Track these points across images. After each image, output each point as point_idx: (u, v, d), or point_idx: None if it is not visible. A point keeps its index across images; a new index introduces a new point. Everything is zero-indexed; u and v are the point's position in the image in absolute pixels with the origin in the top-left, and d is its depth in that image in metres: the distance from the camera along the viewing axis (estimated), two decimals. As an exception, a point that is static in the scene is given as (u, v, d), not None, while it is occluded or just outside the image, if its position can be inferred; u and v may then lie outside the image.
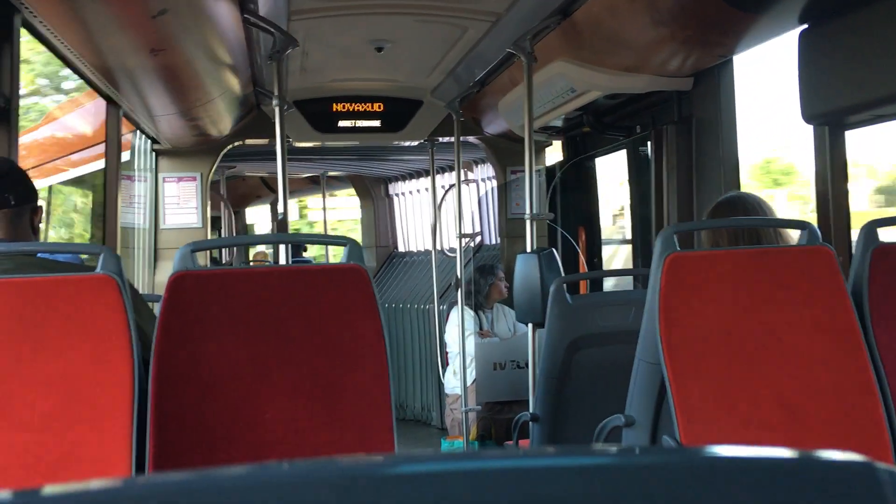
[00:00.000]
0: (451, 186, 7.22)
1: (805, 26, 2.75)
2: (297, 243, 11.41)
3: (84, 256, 2.30)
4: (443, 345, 5.50)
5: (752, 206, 2.44)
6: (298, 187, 9.45)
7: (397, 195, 8.23)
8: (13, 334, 1.66)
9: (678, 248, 1.96)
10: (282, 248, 3.34)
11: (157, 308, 1.83)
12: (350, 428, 1.77)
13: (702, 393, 1.86)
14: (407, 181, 7.96)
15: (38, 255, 1.86)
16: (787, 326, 1.95)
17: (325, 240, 2.74)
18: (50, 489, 0.33)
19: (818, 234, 2.04)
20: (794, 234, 2.29)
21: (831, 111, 2.72)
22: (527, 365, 4.16)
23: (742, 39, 2.94)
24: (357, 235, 8.98)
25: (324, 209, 8.69)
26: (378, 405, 1.80)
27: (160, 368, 1.72)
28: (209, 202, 5.25)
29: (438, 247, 5.90)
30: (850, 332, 1.93)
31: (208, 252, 6.07)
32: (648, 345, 2.04)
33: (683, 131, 3.54)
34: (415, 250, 7.89)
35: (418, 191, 7.79)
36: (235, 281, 1.81)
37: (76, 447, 1.65)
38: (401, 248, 8.24)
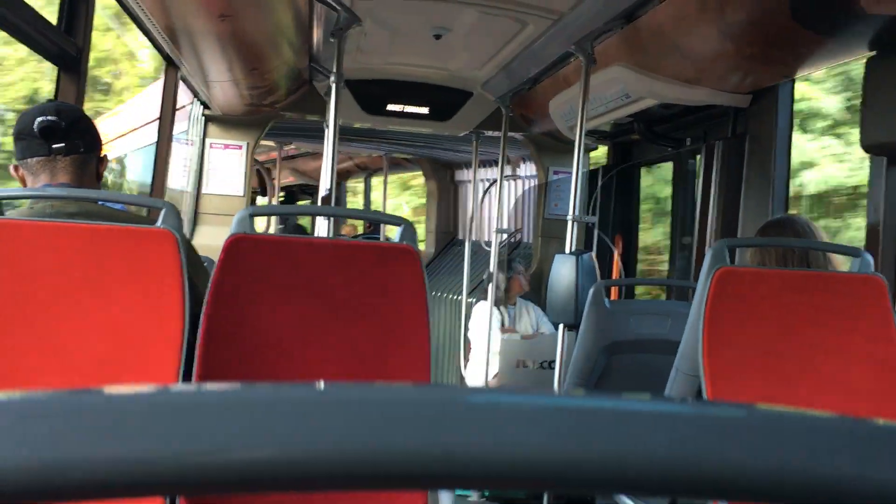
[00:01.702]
0: (495, 181, 7.21)
1: (873, 53, 2.72)
2: (354, 218, 11.43)
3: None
4: (467, 338, 5.51)
5: (803, 228, 2.43)
6: (378, 165, 9.40)
7: (462, 182, 8.13)
8: (73, 278, 1.70)
9: (728, 263, 1.96)
10: (324, 222, 3.37)
11: None
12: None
13: (739, 409, 1.86)
14: (482, 169, 7.78)
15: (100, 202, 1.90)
16: (829, 353, 1.94)
17: (381, 218, 2.77)
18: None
19: (871, 262, 2.02)
20: (843, 265, 2.27)
21: (892, 142, 2.69)
22: (550, 366, 4.17)
23: (807, 61, 2.92)
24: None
25: (384, 190, 8.65)
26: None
27: (209, 326, 1.75)
28: (253, 173, 5.29)
29: (478, 239, 5.90)
30: (893, 365, 1.92)
31: None
32: (688, 356, 2.04)
33: (736, 148, 3.52)
34: (475, 240, 7.80)
35: (483, 181, 7.67)
36: (290, 249, 1.84)
37: None
38: (461, 237, 8.17)
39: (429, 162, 8.29)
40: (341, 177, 11.02)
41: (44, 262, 1.69)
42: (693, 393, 2.06)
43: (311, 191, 12.53)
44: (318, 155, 8.99)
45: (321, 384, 0.36)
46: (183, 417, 0.33)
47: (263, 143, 7.81)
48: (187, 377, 1.71)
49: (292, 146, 8.40)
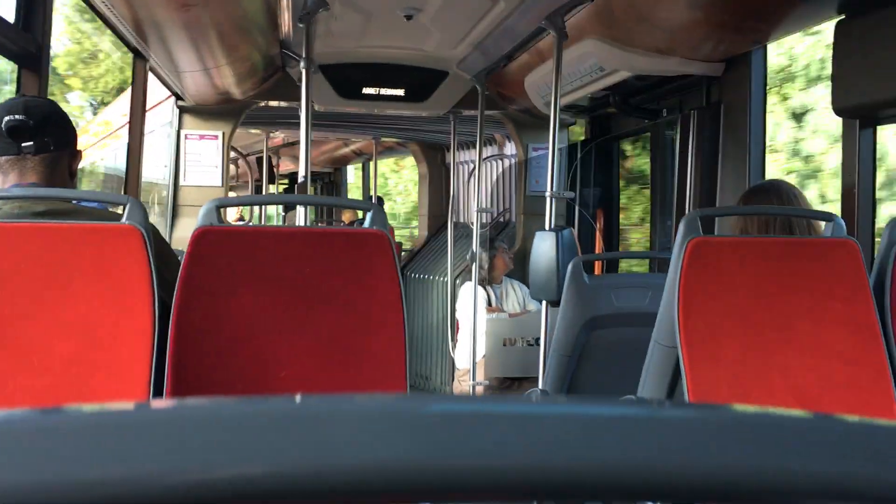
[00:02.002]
0: (484, 159, 7.16)
1: (842, 17, 2.71)
2: (324, 205, 11.34)
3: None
4: (455, 319, 5.51)
5: (786, 194, 2.42)
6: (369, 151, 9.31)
7: (454, 164, 8.00)
8: (37, 279, 1.68)
9: (701, 233, 1.95)
10: (301, 211, 3.35)
11: None
12: (364, 391, 1.78)
13: (716, 379, 1.86)
14: (467, 150, 7.62)
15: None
16: (805, 317, 1.94)
17: (352, 204, 2.76)
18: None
19: (844, 226, 2.02)
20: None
21: (863, 104, 2.69)
22: (537, 342, 4.17)
23: (778, 27, 2.91)
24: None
25: (374, 175, 8.53)
26: (393, 370, 1.81)
27: (180, 320, 1.73)
28: (229, 162, 5.25)
29: (466, 221, 5.88)
30: (869, 327, 1.93)
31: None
32: (665, 327, 2.04)
33: (711, 117, 3.51)
34: (464, 221, 7.71)
35: (468, 162, 7.55)
36: (258, 239, 1.82)
37: (94, 394, 1.67)
38: (455, 219, 8.03)
39: (419, 145, 8.22)
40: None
41: (9, 263, 1.67)
42: (671, 364, 2.06)
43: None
44: (319, 142, 8.88)
45: (299, 398, 0.35)
46: (156, 436, 0.32)
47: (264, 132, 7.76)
48: (159, 374, 1.70)
49: (279, 135, 8.32)
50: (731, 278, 1.93)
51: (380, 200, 9.81)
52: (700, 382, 1.85)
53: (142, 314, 1.70)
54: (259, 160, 10.56)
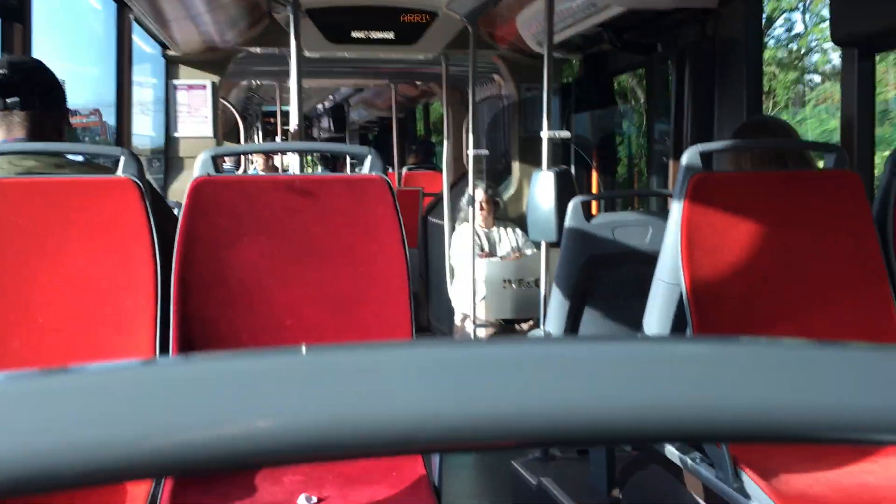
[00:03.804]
0: (483, 100, 7.04)
1: (842, -57, 2.66)
2: (317, 152, 11.22)
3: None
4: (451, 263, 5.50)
5: (779, 129, 2.40)
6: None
7: (446, 106, 7.77)
8: (35, 235, 1.66)
9: (702, 169, 1.93)
10: (295, 158, 3.32)
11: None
12: (369, 338, 1.78)
13: (720, 315, 1.87)
14: (483, 87, 7.07)
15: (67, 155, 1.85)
16: (810, 252, 1.94)
17: (347, 150, 2.72)
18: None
19: (846, 158, 2.01)
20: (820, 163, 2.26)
21: (862, 33, 2.65)
22: (537, 283, 4.17)
23: (775, -44, 2.84)
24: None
25: (393, 119, 8.34)
26: (398, 317, 1.81)
27: (182, 272, 1.72)
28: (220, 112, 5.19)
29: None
30: (873, 259, 1.93)
31: None
32: (668, 264, 2.04)
33: (706, 52, 3.46)
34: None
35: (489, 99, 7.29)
36: (257, 188, 1.80)
37: (100, 348, 1.66)
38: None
39: (439, 85, 7.93)
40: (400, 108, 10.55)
41: (4, 219, 1.65)
42: (675, 301, 2.06)
43: (376, 125, 12.13)
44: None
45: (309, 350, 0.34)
46: (159, 394, 0.31)
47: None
48: (164, 325, 1.69)
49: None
50: (735, 214, 1.92)
51: (429, 144, 9.57)
52: (705, 319, 1.85)
53: (143, 267, 1.68)
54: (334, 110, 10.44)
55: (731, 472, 1.66)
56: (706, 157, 1.94)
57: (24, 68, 1.82)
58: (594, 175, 5.09)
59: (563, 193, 3.10)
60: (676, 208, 1.91)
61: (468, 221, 4.90)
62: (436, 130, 11.33)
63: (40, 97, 1.82)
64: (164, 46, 4.82)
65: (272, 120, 11.78)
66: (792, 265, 1.95)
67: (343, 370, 0.33)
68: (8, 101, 1.78)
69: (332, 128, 11.55)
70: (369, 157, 1.85)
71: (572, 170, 5.22)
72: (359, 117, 11.73)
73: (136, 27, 4.05)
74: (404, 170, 8.56)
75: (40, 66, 1.89)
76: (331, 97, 10.81)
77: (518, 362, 0.33)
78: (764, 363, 0.35)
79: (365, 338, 1.79)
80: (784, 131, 2.40)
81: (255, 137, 11.29)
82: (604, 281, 2.76)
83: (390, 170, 8.85)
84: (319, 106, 11.64)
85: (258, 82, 8.11)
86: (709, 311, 1.86)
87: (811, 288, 1.93)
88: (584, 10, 3.75)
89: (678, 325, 2.05)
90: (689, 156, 1.93)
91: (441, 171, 6.97)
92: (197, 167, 1.77)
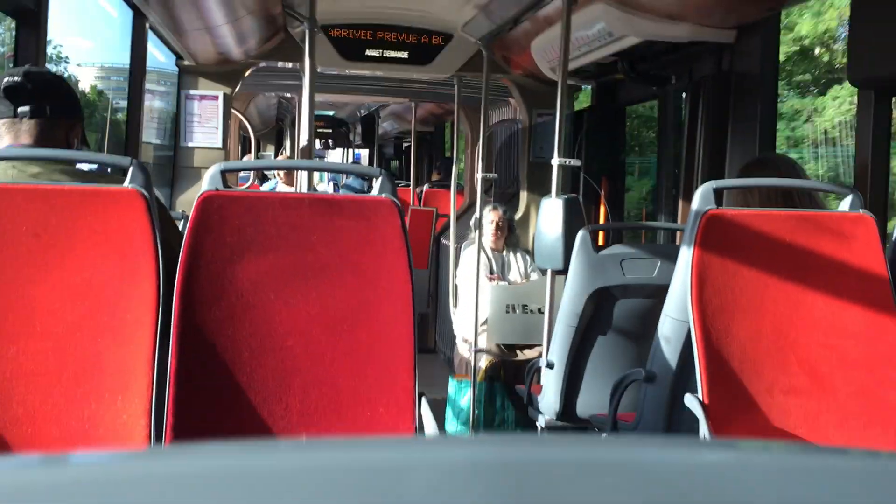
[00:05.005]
0: (498, 123, 7.03)
1: (861, -16, 2.65)
2: (332, 171, 11.20)
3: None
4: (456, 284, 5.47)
5: (786, 167, 2.38)
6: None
7: (455, 129, 7.69)
8: (39, 242, 1.64)
9: (715, 206, 1.91)
10: (304, 176, 3.30)
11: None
12: (371, 361, 1.76)
13: (728, 354, 1.84)
14: (498, 110, 7.20)
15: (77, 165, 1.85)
16: (820, 293, 1.91)
17: (357, 169, 2.70)
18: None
19: (861, 200, 1.98)
20: (829, 205, 2.23)
21: (880, 75, 2.63)
22: (540, 311, 4.14)
23: (793, -6, 2.84)
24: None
25: (412, 139, 8.26)
26: (401, 340, 1.78)
27: (185, 285, 1.70)
28: (231, 124, 5.19)
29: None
30: (884, 304, 1.90)
31: None
32: (677, 301, 2.01)
33: (721, 86, 3.45)
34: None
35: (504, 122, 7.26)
36: (265, 204, 1.78)
37: (99, 358, 1.64)
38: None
39: (462, 106, 7.91)
40: (439, 120, 10.46)
41: (9, 225, 1.63)
42: (682, 338, 2.03)
43: (406, 137, 12.06)
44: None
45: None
46: None
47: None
48: (164, 339, 1.67)
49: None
50: (747, 252, 1.90)
51: (448, 161, 9.53)
52: (712, 357, 1.82)
53: (146, 279, 1.66)
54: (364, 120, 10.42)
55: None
56: (719, 193, 1.92)
57: (38, 78, 1.84)
58: (602, 204, 5.06)
59: (572, 222, 3.08)
60: (687, 245, 1.89)
61: (475, 244, 4.88)
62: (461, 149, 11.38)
63: (51, 107, 1.82)
64: (177, 55, 4.83)
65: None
66: (802, 306, 1.92)
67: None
68: (19, 109, 1.78)
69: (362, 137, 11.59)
70: (380, 178, 1.83)
71: (581, 198, 5.21)
72: (390, 128, 11.76)
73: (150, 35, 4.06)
74: (425, 187, 8.53)
75: (55, 78, 1.90)
76: (361, 109, 10.86)
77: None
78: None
79: (366, 360, 1.76)
80: (790, 168, 2.38)
81: (287, 144, 11.31)
82: (610, 313, 2.74)
83: (405, 185, 8.83)
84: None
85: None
86: (717, 349, 1.83)
87: (820, 329, 1.90)
88: (599, 39, 3.74)
89: (685, 362, 2.02)
90: (703, 192, 1.91)
91: (462, 189, 6.96)
92: (206, 181, 1.75)
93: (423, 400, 1.79)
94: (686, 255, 1.89)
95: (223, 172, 1.77)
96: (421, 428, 1.75)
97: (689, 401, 1.81)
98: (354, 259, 1.78)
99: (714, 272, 1.87)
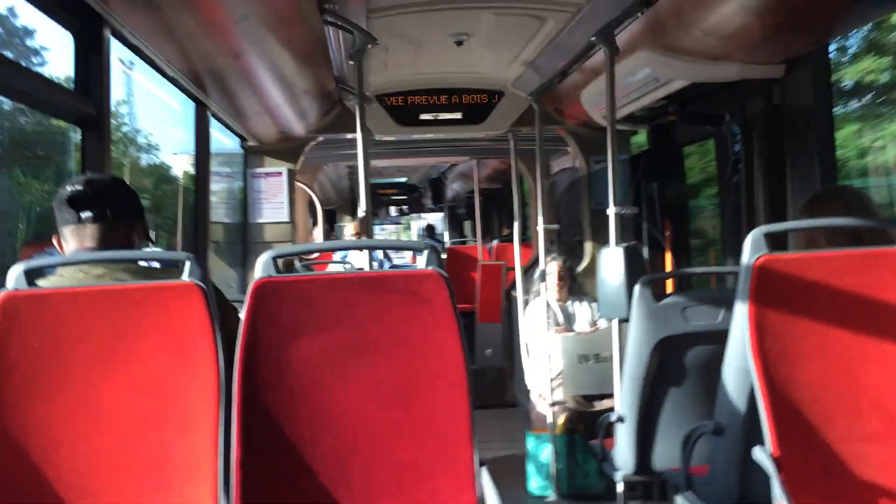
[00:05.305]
0: (559, 172, 7.04)
1: (907, 9, 2.60)
2: (379, 248, 11.36)
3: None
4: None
5: (852, 200, 2.31)
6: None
7: (515, 183, 7.67)
8: (106, 340, 1.72)
9: (768, 251, 1.88)
10: (364, 252, 3.37)
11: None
12: (428, 436, 1.77)
13: (795, 403, 1.78)
14: (561, 158, 7.12)
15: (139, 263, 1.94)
16: (887, 333, 1.84)
17: (405, 245, 2.77)
18: None
19: None
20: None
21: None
22: (611, 358, 4.08)
23: (837, 25, 2.80)
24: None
25: (476, 198, 8.34)
26: (457, 410, 1.79)
27: (245, 373, 1.75)
28: (295, 197, 5.35)
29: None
30: None
31: None
32: (738, 350, 1.97)
33: (773, 122, 3.39)
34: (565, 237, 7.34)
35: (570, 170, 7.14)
36: (316, 287, 1.83)
37: (166, 450, 1.69)
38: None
39: (521, 159, 7.91)
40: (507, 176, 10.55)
41: (76, 327, 1.72)
42: (748, 387, 1.98)
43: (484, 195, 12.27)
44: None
45: None
46: None
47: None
48: (228, 427, 1.72)
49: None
50: (804, 296, 1.85)
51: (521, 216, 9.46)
52: (778, 408, 1.77)
53: (207, 369, 1.72)
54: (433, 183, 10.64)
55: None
56: (772, 237, 1.89)
57: (99, 185, 1.95)
58: (667, 249, 4.99)
59: (633, 270, 3.05)
60: (742, 294, 1.86)
61: (540, 296, 4.86)
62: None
63: (112, 210, 1.92)
64: (241, 138, 5.03)
65: (379, 192, 12.26)
66: (872, 348, 1.85)
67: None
68: (82, 215, 1.89)
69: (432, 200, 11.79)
70: (425, 252, 1.87)
71: (644, 242, 5.15)
72: (460, 189, 11.96)
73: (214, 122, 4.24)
74: (495, 242, 8.56)
75: (115, 182, 2.01)
76: (431, 172, 11.08)
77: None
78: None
79: (423, 433, 1.77)
80: (858, 200, 2.31)
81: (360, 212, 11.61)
82: (676, 362, 2.69)
83: (473, 242, 8.85)
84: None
85: None
86: (782, 398, 1.78)
87: (891, 370, 1.83)
88: (646, 84, 3.74)
89: (753, 413, 1.97)
90: (754, 238, 1.88)
91: (531, 243, 6.94)
92: (258, 269, 1.81)
93: (484, 470, 1.79)
94: (742, 303, 1.86)
95: (275, 259, 1.84)
96: (482, 500, 1.75)
97: (758, 454, 1.76)
98: (404, 333, 1.81)
99: (772, 319, 1.83)
